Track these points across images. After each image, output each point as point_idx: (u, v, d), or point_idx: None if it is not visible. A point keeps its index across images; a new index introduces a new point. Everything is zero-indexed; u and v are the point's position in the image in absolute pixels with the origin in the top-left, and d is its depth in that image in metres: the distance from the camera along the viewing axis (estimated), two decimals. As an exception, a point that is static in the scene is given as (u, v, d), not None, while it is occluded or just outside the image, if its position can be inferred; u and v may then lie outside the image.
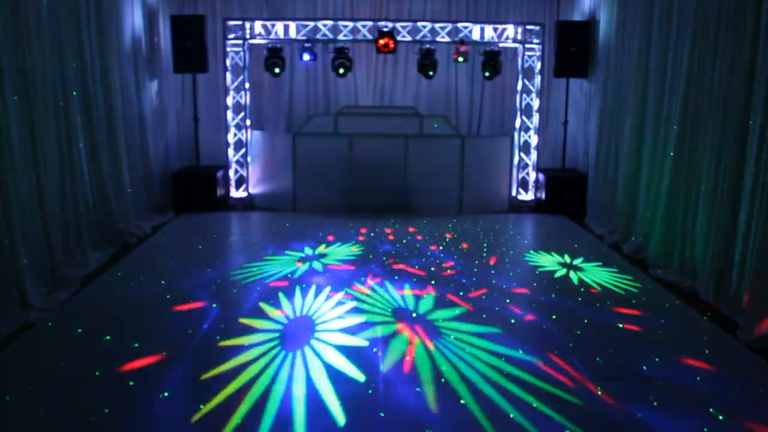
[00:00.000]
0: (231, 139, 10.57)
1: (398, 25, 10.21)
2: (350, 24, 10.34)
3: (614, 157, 8.96)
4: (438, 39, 10.38)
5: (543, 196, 10.44)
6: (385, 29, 10.01)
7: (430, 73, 10.34)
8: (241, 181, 10.72)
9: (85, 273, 6.79)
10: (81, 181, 7.21)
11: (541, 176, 10.61)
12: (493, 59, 10.37)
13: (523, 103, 10.79)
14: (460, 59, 10.24)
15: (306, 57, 10.16)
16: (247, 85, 10.51)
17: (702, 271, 6.36)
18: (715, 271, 6.10)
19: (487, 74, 10.48)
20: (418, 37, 10.36)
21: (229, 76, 10.43)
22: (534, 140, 10.77)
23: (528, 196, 10.80)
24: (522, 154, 10.81)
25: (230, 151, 10.60)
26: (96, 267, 7.06)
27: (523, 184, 10.89)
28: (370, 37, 10.20)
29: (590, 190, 9.83)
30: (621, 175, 8.61)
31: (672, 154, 7.12)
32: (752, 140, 5.58)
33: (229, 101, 10.50)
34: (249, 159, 10.57)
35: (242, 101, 10.51)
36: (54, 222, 6.39)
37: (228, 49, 10.36)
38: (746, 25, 5.74)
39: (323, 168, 10.06)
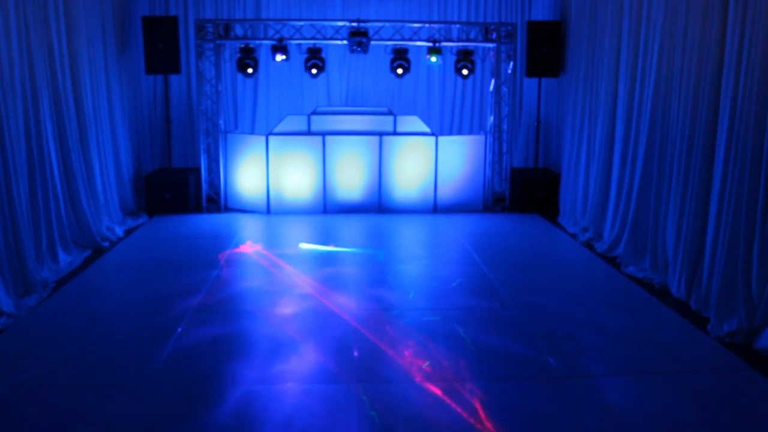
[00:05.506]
0: (204, 140, 10.46)
1: (372, 25, 10.20)
2: (324, 24, 10.31)
3: (586, 155, 9.05)
4: (411, 39, 10.40)
5: (517, 195, 10.51)
6: (359, 29, 9.97)
7: (399, 71, 10.28)
8: (214, 183, 10.61)
9: (57, 278, 6.68)
10: (51, 184, 7.10)
11: (514, 175, 10.67)
12: (466, 59, 10.41)
13: (497, 103, 10.84)
14: (434, 59, 10.27)
15: (279, 57, 10.08)
16: (219, 86, 10.42)
17: (674, 267, 6.46)
18: (687, 268, 6.20)
19: (460, 74, 10.52)
20: (391, 38, 10.36)
21: (201, 77, 10.32)
22: (507, 140, 10.83)
23: (502, 195, 10.86)
24: (496, 154, 10.87)
25: (203, 153, 10.48)
26: (68, 271, 6.95)
27: (498, 184, 10.94)
28: (343, 38, 10.15)
29: (563, 189, 9.93)
30: (593, 173, 8.71)
31: (642, 151, 7.23)
32: (720, 137, 5.68)
33: (202, 102, 10.39)
34: (222, 160, 10.47)
35: (215, 102, 10.42)
36: (24, 225, 6.28)
37: (200, 50, 10.23)
38: (713, 20, 5.82)
39: (297, 168, 10.02)
